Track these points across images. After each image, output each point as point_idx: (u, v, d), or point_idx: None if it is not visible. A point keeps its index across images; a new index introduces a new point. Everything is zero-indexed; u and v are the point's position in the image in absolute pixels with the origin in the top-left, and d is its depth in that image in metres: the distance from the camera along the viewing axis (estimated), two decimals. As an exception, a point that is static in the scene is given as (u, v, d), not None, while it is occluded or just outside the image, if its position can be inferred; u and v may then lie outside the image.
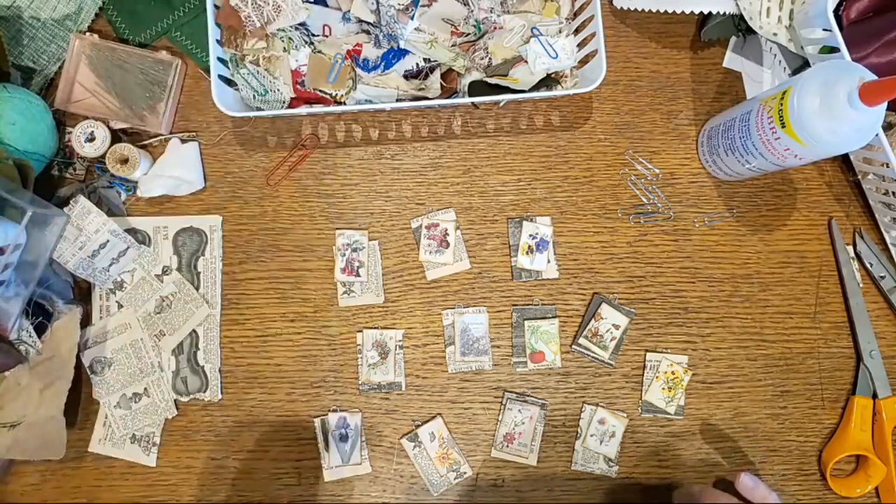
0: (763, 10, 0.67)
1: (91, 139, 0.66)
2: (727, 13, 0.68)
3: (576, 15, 0.68)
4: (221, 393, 0.67)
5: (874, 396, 0.68)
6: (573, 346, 0.68)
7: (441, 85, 0.67)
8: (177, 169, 0.67)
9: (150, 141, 0.70)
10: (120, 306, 0.67)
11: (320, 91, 0.67)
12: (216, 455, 0.67)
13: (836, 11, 0.65)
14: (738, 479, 0.59)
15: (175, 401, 0.67)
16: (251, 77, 0.66)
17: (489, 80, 0.68)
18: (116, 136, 0.68)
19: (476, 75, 0.68)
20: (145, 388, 0.66)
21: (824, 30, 0.63)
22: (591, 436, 0.67)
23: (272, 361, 0.68)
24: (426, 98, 0.67)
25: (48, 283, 0.65)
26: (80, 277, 0.66)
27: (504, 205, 0.70)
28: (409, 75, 0.68)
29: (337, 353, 0.68)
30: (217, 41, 0.65)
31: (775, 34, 0.68)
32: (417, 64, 0.67)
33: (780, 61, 0.72)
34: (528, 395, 0.68)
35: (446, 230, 0.68)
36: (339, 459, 0.66)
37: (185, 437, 0.67)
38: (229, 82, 0.67)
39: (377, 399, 0.68)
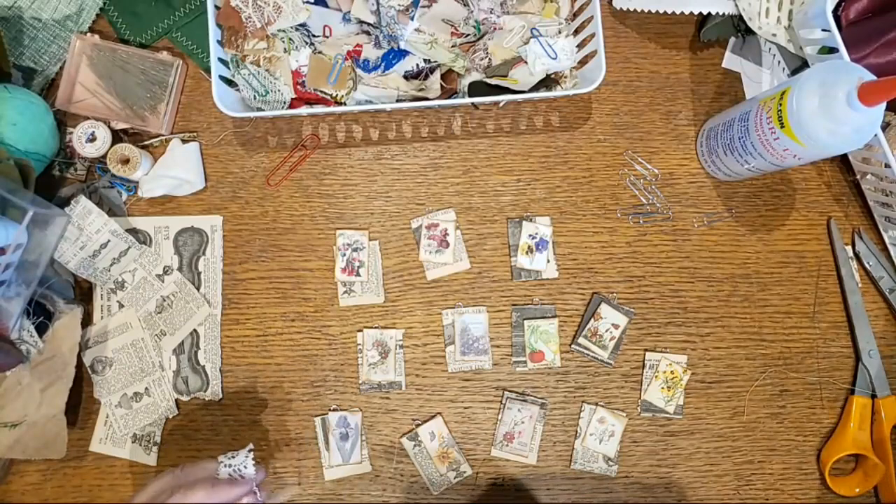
0: (762, 10, 0.67)
1: (92, 139, 0.66)
2: (726, 14, 0.68)
3: (575, 16, 0.68)
4: (222, 392, 0.67)
5: (873, 396, 0.68)
6: (573, 346, 0.68)
7: (441, 85, 0.67)
8: (178, 169, 0.67)
9: (151, 141, 0.70)
10: (121, 306, 0.68)
11: (321, 91, 0.67)
12: (217, 454, 0.66)
13: (835, 12, 0.65)
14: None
15: (176, 400, 0.67)
16: (252, 77, 0.67)
17: (489, 81, 0.68)
18: (117, 137, 0.68)
19: (476, 76, 0.69)
20: (146, 388, 0.67)
21: (823, 30, 0.63)
22: (591, 435, 0.67)
23: (273, 361, 0.68)
24: (426, 98, 0.67)
25: (49, 282, 0.65)
26: (81, 277, 0.66)
27: (504, 205, 0.70)
28: (409, 76, 0.68)
29: (337, 353, 0.68)
30: (218, 42, 0.65)
31: (774, 35, 0.68)
32: (417, 64, 0.67)
33: (778, 62, 0.72)
34: (527, 395, 0.68)
35: (446, 230, 0.69)
36: (340, 458, 0.66)
37: (186, 436, 0.67)
38: (230, 83, 0.67)
39: (377, 398, 0.68)
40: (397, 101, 0.68)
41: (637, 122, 0.72)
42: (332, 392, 0.68)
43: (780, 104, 0.56)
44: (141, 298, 0.67)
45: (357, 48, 0.67)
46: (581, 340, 0.68)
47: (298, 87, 0.68)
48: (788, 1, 0.68)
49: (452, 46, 0.68)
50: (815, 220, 0.71)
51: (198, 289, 0.68)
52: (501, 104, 0.71)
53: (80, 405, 0.67)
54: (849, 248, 0.71)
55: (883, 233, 0.70)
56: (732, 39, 0.73)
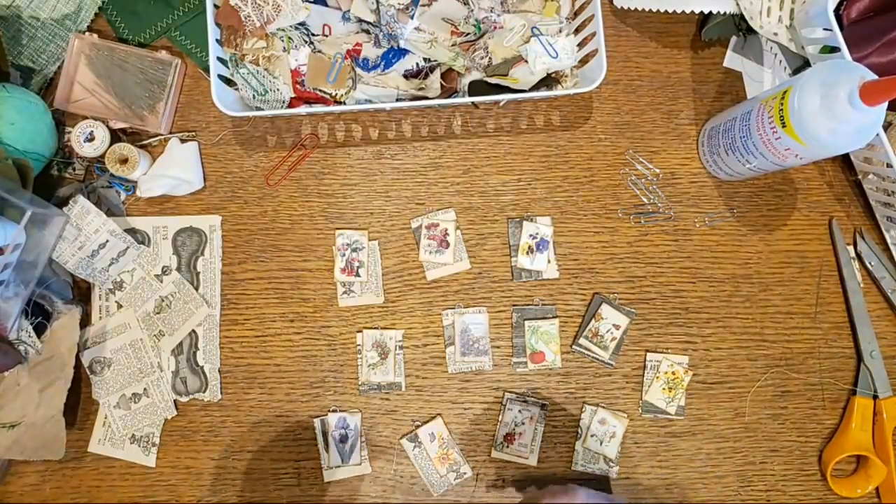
0: (763, 9, 0.67)
1: (90, 139, 0.66)
2: (728, 13, 0.68)
3: (576, 14, 0.68)
4: (221, 393, 0.67)
5: (875, 396, 0.68)
6: (573, 347, 0.68)
7: (441, 84, 0.67)
8: (176, 169, 0.67)
9: (150, 141, 0.69)
10: (119, 306, 0.67)
11: (320, 91, 0.67)
12: (215, 455, 0.67)
13: (836, 11, 0.64)
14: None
15: (174, 401, 0.67)
16: (251, 77, 0.66)
17: (489, 80, 0.67)
18: (116, 136, 0.68)
19: (476, 75, 0.68)
20: (145, 389, 0.66)
21: (825, 29, 0.63)
22: (592, 436, 0.67)
23: (272, 362, 0.68)
24: (426, 98, 0.67)
25: (48, 283, 0.65)
26: (80, 277, 0.66)
27: (504, 205, 0.70)
28: (408, 75, 0.68)
29: (337, 354, 0.68)
30: (217, 41, 0.65)
31: (776, 34, 0.68)
32: (417, 63, 0.67)
33: (780, 61, 0.72)
34: (528, 396, 0.68)
35: (446, 230, 0.68)
36: (339, 460, 0.66)
37: (185, 437, 0.67)
38: (229, 82, 0.66)
39: (377, 399, 0.67)
40: (397, 100, 0.67)
41: (638, 121, 0.72)
42: (331, 393, 0.67)
43: (782, 103, 0.56)
44: (139, 299, 0.67)
45: (356, 47, 0.67)
46: (582, 341, 0.68)
47: (297, 86, 0.67)
48: (790, 0, 0.67)
49: (452, 45, 0.68)
50: (816, 220, 0.71)
51: (196, 289, 0.68)
52: (502, 103, 0.71)
53: (79, 406, 0.67)
54: (851, 248, 0.70)
55: (885, 233, 0.70)
56: (734, 38, 0.73)
